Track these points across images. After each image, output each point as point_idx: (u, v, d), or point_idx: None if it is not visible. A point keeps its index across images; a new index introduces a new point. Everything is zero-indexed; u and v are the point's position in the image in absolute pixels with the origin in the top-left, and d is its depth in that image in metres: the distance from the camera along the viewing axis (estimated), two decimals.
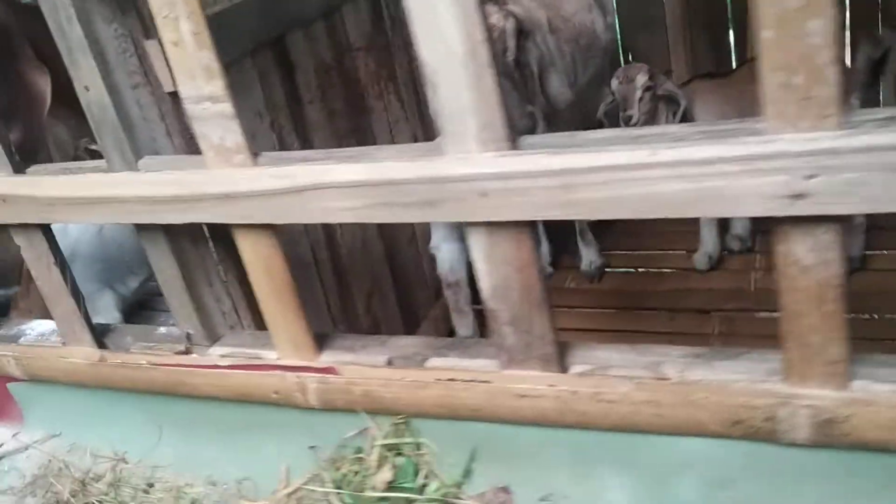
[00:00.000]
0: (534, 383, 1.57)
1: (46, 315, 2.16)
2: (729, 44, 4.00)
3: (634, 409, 1.49)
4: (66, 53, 1.62)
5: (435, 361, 1.68)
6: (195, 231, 1.86)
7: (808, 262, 1.26)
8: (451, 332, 2.93)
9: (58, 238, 2.20)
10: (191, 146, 1.78)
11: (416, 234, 3.19)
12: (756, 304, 3.12)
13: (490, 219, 1.41)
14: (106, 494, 2.01)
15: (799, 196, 1.18)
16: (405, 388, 1.69)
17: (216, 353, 1.90)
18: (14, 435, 2.26)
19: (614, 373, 1.51)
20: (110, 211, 1.74)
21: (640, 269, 3.55)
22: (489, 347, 1.63)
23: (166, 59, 1.56)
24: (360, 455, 1.79)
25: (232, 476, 1.95)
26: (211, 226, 1.88)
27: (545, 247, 3.57)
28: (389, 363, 1.71)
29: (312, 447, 1.86)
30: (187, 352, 1.93)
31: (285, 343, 1.79)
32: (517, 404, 1.59)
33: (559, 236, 3.62)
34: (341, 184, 1.47)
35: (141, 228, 1.81)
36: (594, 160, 1.28)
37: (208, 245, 1.95)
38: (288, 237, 2.20)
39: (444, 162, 1.39)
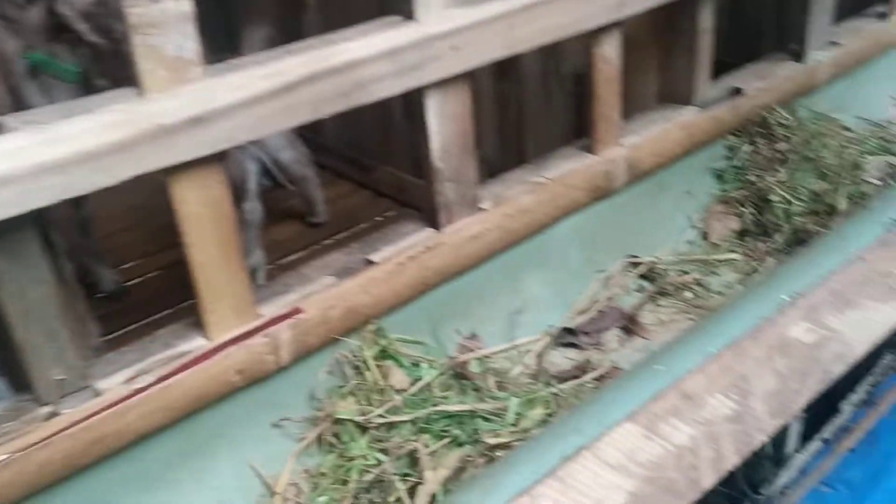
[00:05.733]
0: (473, 225, 1.86)
1: None
2: None
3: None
4: None
5: (387, 250, 1.78)
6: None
7: None
8: None
9: None
10: None
11: None
12: None
13: None
14: None
15: None
16: (382, 284, 1.73)
17: (115, 382, 1.47)
18: None
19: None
20: None
21: None
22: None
23: None
24: (343, 386, 1.69)
25: None
26: None
27: None
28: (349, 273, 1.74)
29: (280, 421, 1.67)
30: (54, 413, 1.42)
31: (226, 311, 1.57)
32: (468, 250, 1.85)
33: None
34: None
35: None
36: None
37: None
38: None
39: None
